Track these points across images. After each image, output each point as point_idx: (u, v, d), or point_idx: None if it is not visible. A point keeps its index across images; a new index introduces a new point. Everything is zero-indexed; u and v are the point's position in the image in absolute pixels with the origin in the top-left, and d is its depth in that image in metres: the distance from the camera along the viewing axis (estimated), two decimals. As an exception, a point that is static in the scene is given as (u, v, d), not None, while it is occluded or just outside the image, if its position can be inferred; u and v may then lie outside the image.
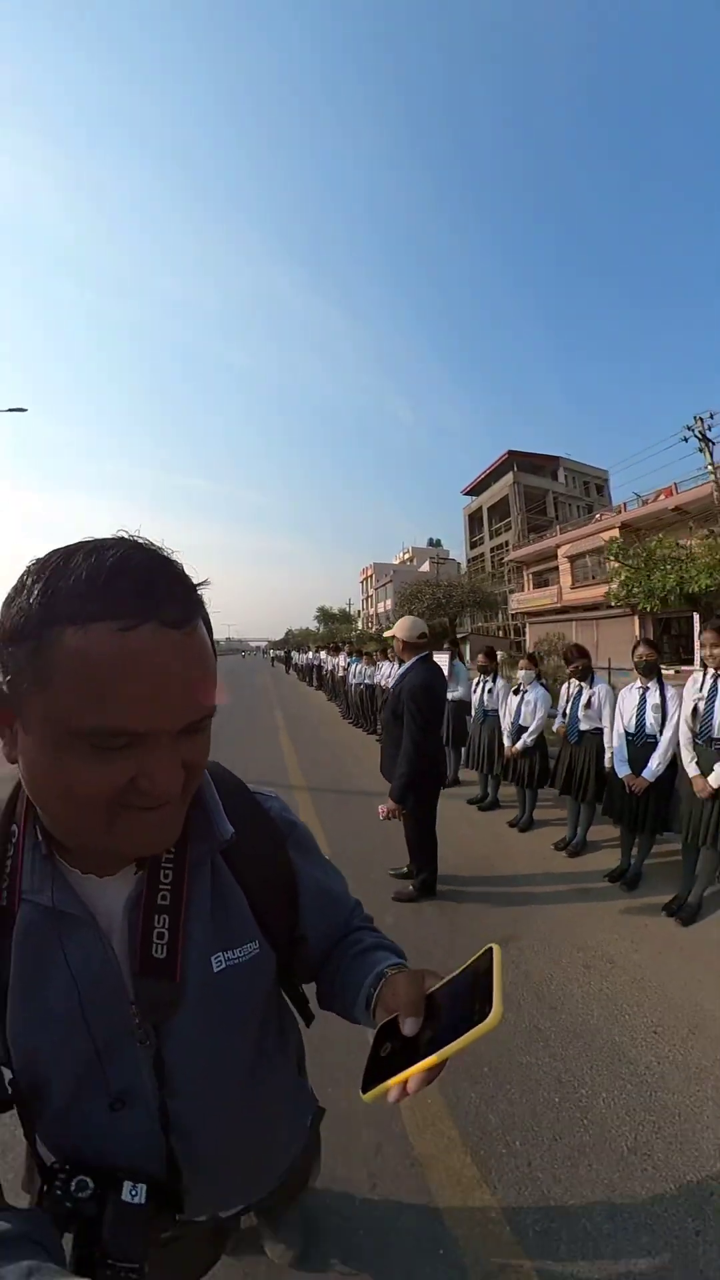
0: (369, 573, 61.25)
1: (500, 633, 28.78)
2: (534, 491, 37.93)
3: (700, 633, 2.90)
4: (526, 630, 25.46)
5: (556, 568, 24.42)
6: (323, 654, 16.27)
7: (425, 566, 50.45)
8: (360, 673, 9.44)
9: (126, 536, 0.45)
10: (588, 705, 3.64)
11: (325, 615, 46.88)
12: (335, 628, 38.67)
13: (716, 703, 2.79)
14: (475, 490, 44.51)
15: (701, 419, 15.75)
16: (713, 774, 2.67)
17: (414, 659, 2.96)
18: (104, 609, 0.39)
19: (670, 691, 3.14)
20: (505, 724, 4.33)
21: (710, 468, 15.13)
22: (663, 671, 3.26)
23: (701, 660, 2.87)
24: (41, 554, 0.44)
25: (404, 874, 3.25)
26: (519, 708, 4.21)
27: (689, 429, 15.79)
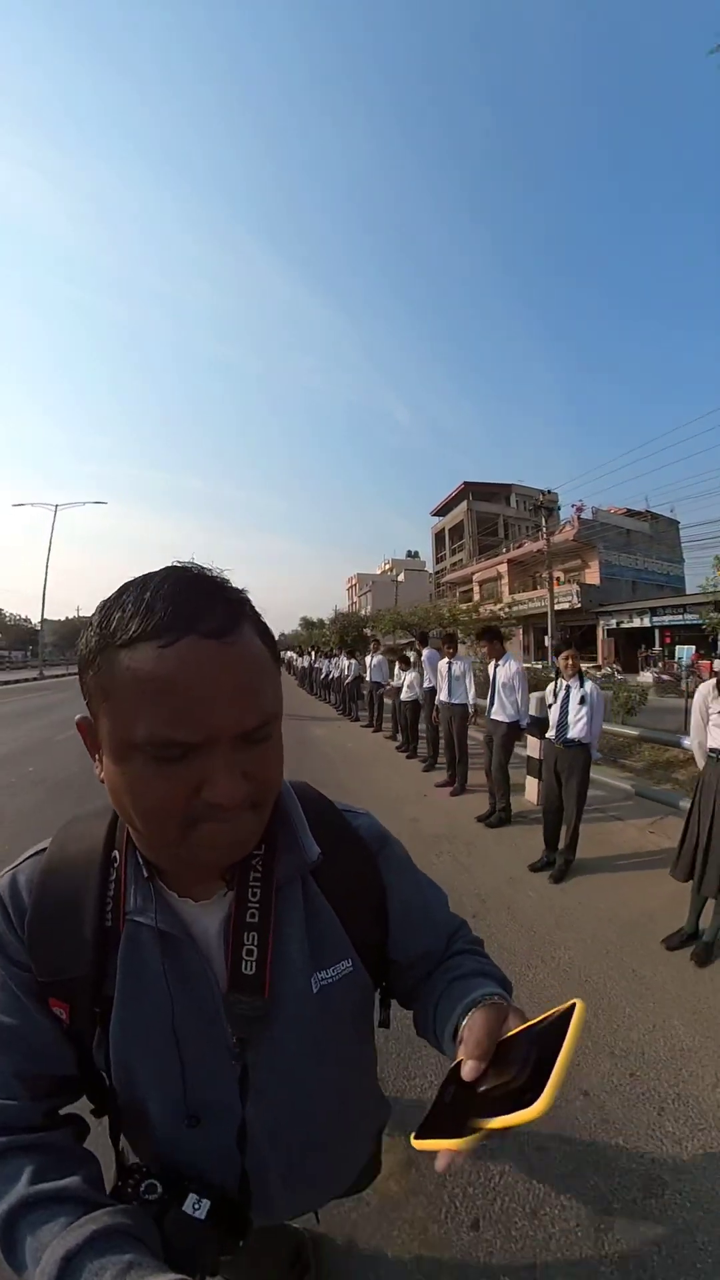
0: (354, 581, 69.18)
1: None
2: (487, 516, 44.28)
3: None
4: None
5: (473, 589, 32.64)
6: (291, 654, 26.59)
7: (401, 576, 58.41)
8: (304, 662, 17.99)
9: (176, 565, 0.49)
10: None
11: (307, 623, 55.41)
12: (312, 632, 46.81)
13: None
14: (440, 512, 50.86)
15: (548, 493, 23.20)
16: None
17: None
18: (146, 629, 0.43)
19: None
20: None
21: (544, 531, 22.54)
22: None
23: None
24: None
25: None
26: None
27: (536, 500, 23.23)
